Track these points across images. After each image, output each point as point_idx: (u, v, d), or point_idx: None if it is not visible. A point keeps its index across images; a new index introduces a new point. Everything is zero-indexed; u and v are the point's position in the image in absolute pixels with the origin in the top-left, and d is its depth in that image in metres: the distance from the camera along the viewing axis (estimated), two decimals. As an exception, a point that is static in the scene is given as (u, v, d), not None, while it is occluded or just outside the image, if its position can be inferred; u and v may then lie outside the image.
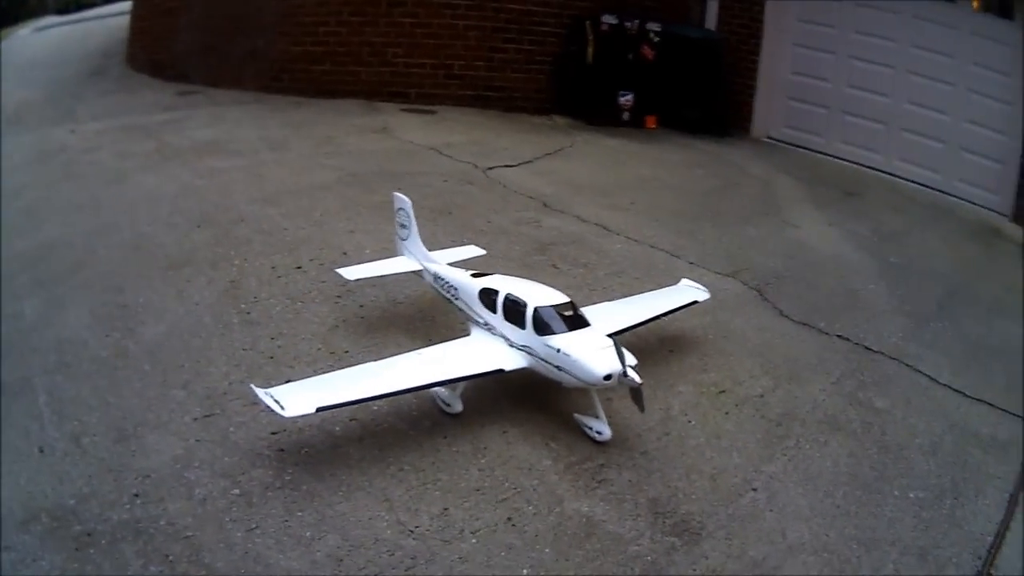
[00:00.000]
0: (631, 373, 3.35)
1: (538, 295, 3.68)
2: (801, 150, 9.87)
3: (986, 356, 4.99)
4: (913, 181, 9.29)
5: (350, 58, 8.45)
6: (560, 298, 3.67)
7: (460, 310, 4.08)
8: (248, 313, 4.52)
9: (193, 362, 3.98)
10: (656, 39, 8.38)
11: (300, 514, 3.00)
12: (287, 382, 3.33)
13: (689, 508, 3.30)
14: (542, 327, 3.52)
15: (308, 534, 2.91)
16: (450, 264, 4.47)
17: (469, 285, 4.01)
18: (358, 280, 4.39)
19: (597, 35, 8.27)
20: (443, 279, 4.22)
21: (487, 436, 3.62)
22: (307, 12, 8.40)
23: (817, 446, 3.83)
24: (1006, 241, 7.90)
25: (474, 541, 2.97)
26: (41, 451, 3.27)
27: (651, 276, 5.57)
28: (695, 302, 4.48)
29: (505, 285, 3.84)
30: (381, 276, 4.45)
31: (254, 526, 2.92)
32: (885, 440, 3.91)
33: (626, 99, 8.52)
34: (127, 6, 12.87)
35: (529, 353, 3.59)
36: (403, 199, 4.53)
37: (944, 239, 7.61)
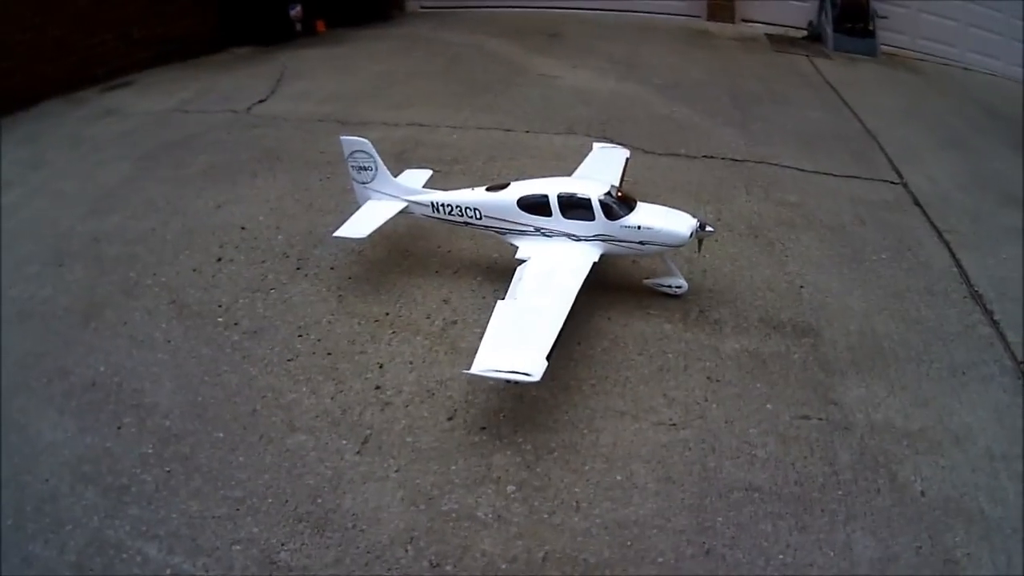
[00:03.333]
0: (707, 225, 4.04)
1: (591, 188, 4.02)
2: (466, 9, 10.85)
3: (813, 140, 6.70)
4: (594, 10, 10.91)
5: (40, 59, 7.69)
6: (606, 186, 4.07)
7: (486, 228, 4.20)
8: (236, 324, 4.04)
9: (260, 401, 3.51)
10: None
11: (596, 467, 3.18)
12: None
13: (785, 315, 4.22)
14: (612, 214, 3.94)
15: (621, 476, 3.13)
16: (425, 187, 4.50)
17: (499, 200, 4.13)
18: (369, 235, 4.18)
19: None
20: (452, 204, 4.25)
21: (604, 329, 4.02)
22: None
23: (794, 243, 4.99)
24: (719, 39, 10.03)
25: (715, 406, 3.50)
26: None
27: (519, 153, 6.19)
28: (628, 158, 5.17)
29: (543, 187, 4.09)
30: (381, 225, 4.27)
31: (586, 504, 3.01)
32: (826, 223, 5.24)
33: (295, 11, 9.29)
34: None
35: (603, 240, 3.99)
36: (355, 140, 4.33)
37: (673, 52, 9.36)
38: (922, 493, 3.12)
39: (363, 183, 4.41)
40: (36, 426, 3.39)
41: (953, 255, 4.91)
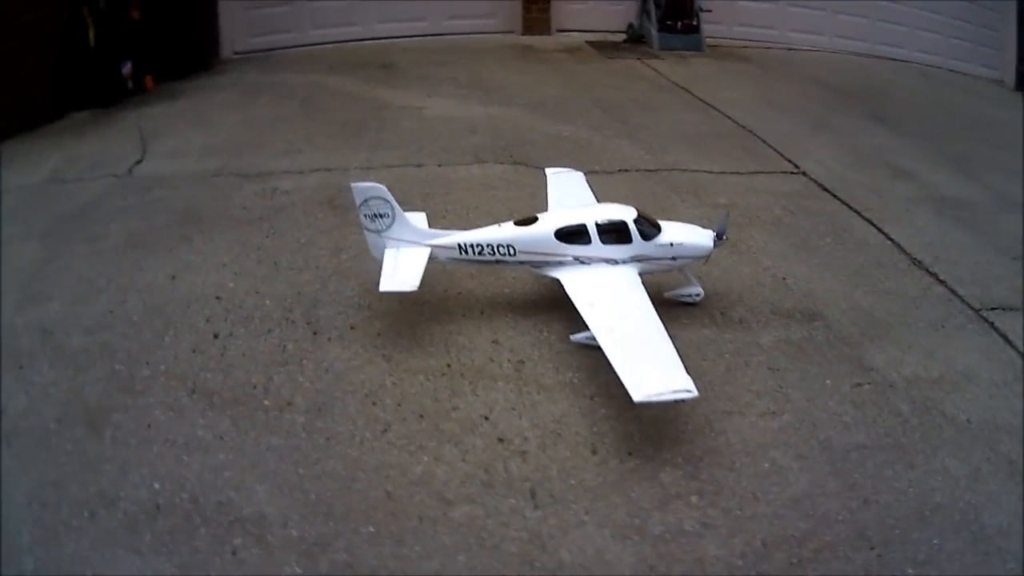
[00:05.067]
0: (724, 234, 5.00)
1: (624, 212, 4.78)
2: (280, 51, 11.57)
3: (701, 142, 8.06)
4: (410, 36, 11.87)
5: None
6: (633, 209, 4.84)
7: (521, 263, 4.79)
8: (290, 404, 4.18)
9: (388, 482, 3.76)
10: None
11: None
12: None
13: (788, 304, 5.28)
14: (646, 235, 4.75)
15: (767, 464, 3.97)
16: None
17: (535, 233, 4.73)
18: (416, 286, 4.53)
19: (96, 14, 9.03)
20: (483, 243, 4.76)
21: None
22: None
23: (751, 240, 6.11)
24: (545, 51, 11.53)
25: (791, 391, 4.41)
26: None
27: (449, 186, 6.86)
28: (586, 175, 5.98)
29: (577, 216, 4.79)
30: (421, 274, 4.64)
31: (760, 493, 3.79)
32: (764, 219, 6.47)
33: (126, 69, 9.67)
34: None
35: (639, 260, 4.79)
36: (369, 187, 4.68)
37: (513, 71, 10.54)
38: (968, 421, 4.30)
39: (378, 231, 4.72)
40: (113, 577, 3.24)
41: (881, 231, 6.37)
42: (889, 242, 6.23)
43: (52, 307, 4.98)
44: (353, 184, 4.70)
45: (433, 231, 4.89)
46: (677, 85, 10.11)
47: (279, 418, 4.09)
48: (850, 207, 6.78)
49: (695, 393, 3.71)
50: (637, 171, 7.31)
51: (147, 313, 4.91)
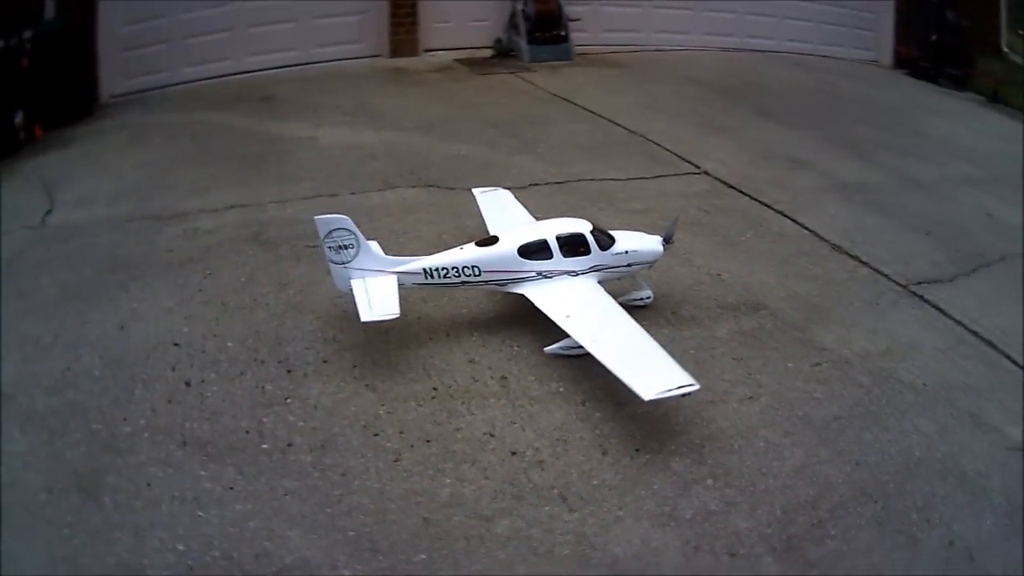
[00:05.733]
0: (672, 238, 5.48)
1: (580, 225, 5.17)
2: (156, 91, 11.39)
3: (599, 151, 8.61)
4: (279, 68, 12.03)
5: None
6: (587, 221, 5.24)
7: (485, 283, 5.09)
8: (290, 445, 4.24)
9: (419, 508, 3.94)
10: (29, 46, 9.43)
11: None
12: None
13: (730, 299, 5.79)
14: (603, 245, 5.15)
15: (762, 443, 4.38)
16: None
17: (498, 252, 5.05)
18: (398, 312, 4.70)
19: None
20: (448, 267, 5.02)
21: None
22: None
23: (677, 242, 6.61)
24: (418, 73, 11.95)
25: (760, 376, 4.88)
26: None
27: (372, 213, 6.99)
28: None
29: (537, 232, 5.15)
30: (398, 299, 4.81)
31: (764, 468, 4.19)
32: (684, 220, 6.87)
33: (19, 119, 9.52)
34: None
35: (597, 270, 5.19)
36: (333, 219, 4.84)
37: (393, 95, 10.84)
38: (924, 384, 4.93)
39: (343, 263, 4.85)
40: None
41: (795, 221, 7.06)
42: (806, 231, 6.91)
43: (5, 369, 4.79)
44: (317, 217, 4.83)
45: (395, 258, 5.07)
46: (557, 96, 10.62)
47: (284, 460, 4.14)
48: (760, 201, 7.44)
49: (697, 385, 4.13)
50: (547, 184, 7.69)
51: (107, 367, 4.81)
